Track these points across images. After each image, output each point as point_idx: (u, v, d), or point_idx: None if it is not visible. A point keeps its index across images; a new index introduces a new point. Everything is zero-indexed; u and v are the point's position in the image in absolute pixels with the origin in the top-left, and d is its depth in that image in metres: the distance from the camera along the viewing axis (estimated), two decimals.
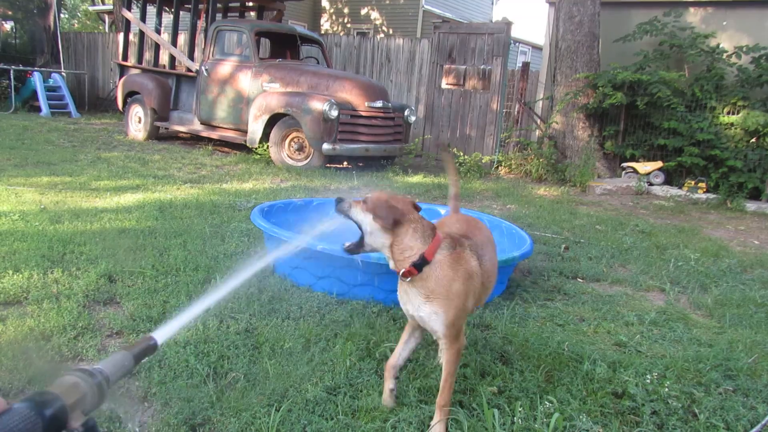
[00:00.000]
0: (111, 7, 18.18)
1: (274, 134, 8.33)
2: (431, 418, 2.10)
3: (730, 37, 9.37)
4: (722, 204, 7.98)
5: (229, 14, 11.77)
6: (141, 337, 0.95)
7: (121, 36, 12.30)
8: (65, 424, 0.67)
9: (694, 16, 9.73)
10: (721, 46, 9.06)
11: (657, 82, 8.77)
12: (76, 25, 28.08)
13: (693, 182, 8.52)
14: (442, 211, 4.79)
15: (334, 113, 7.83)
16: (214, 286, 1.07)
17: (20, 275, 3.18)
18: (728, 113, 8.79)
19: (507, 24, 9.73)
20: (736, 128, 8.59)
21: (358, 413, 2.11)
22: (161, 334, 0.98)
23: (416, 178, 8.22)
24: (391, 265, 1.96)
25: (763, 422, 2.20)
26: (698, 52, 9.07)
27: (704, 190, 8.42)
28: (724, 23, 9.54)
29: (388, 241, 1.92)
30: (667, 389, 2.36)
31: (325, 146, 7.90)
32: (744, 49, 8.86)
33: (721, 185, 8.38)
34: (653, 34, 9.44)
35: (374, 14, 20.59)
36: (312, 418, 2.04)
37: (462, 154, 9.30)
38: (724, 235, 6.07)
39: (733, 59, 8.93)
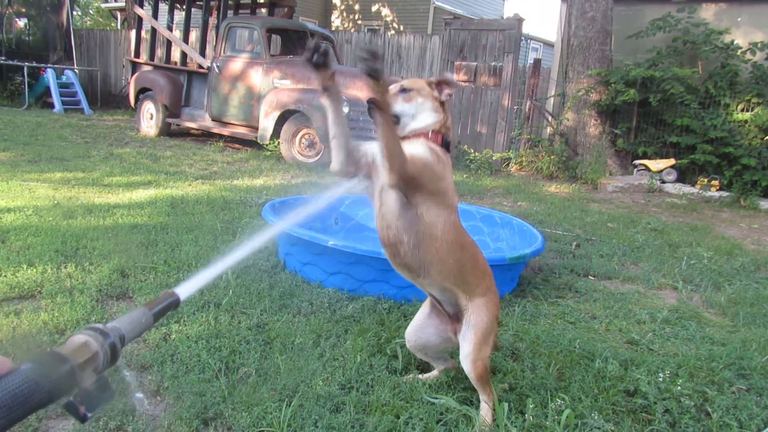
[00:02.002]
0: (123, 4, 18.29)
1: (285, 131, 8.35)
2: (443, 414, 2.10)
3: (745, 33, 9.27)
4: (735, 202, 7.91)
5: (240, 11, 11.79)
6: (163, 292, 0.90)
7: (133, 33, 12.37)
8: (74, 384, 0.65)
9: (707, 12, 9.63)
10: (735, 42, 8.97)
11: (670, 78, 8.70)
12: (88, 22, 28.26)
13: (706, 180, 8.44)
14: None
15: (345, 110, 7.82)
16: (235, 245, 1.03)
17: (34, 269, 3.21)
18: (742, 110, 8.71)
19: (518, 20, 9.67)
20: (750, 125, 8.51)
21: (369, 408, 2.11)
22: (184, 290, 0.94)
23: None
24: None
25: None
26: (712, 48, 8.99)
27: (717, 188, 8.35)
28: (739, 19, 9.44)
29: (438, 117, 2.00)
30: (679, 388, 2.34)
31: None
32: (759, 45, 8.76)
33: (734, 183, 8.31)
34: (666, 30, 9.36)
35: (385, 11, 20.56)
36: (323, 413, 2.05)
37: (473, 151, 9.27)
38: (737, 234, 6.01)
39: (748, 56, 8.84)
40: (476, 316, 2.03)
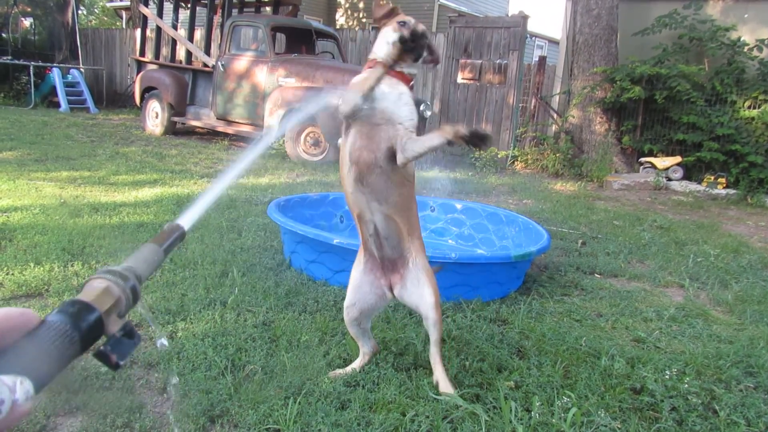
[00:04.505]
0: (128, 3, 18.33)
1: (290, 129, 8.35)
2: (449, 411, 2.10)
3: (752, 30, 9.21)
4: (742, 200, 7.87)
5: (244, 10, 11.80)
6: (166, 225, 0.87)
7: (138, 32, 12.39)
8: (102, 331, 0.64)
9: (714, 9, 9.57)
10: (742, 39, 8.90)
11: (676, 75, 8.65)
12: (93, 22, 28.33)
13: (712, 177, 8.40)
14: (458, 205, 4.78)
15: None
16: (229, 166, 0.99)
17: (41, 268, 3.23)
18: (749, 107, 8.66)
19: (523, 17, 9.65)
20: (756, 123, 8.46)
21: (375, 405, 2.11)
22: (186, 220, 0.91)
23: (431, 173, 8.20)
24: None
25: None
26: (718, 45, 8.93)
27: (724, 185, 8.31)
28: (746, 16, 9.38)
29: None
30: (686, 385, 2.33)
31: (341, 141, 7.89)
32: (765, 42, 8.71)
33: (741, 181, 8.27)
34: (672, 27, 9.31)
35: None
36: (329, 411, 2.05)
37: (478, 149, 9.26)
38: (744, 231, 5.98)
39: (755, 52, 8.78)
40: (421, 258, 2.15)
